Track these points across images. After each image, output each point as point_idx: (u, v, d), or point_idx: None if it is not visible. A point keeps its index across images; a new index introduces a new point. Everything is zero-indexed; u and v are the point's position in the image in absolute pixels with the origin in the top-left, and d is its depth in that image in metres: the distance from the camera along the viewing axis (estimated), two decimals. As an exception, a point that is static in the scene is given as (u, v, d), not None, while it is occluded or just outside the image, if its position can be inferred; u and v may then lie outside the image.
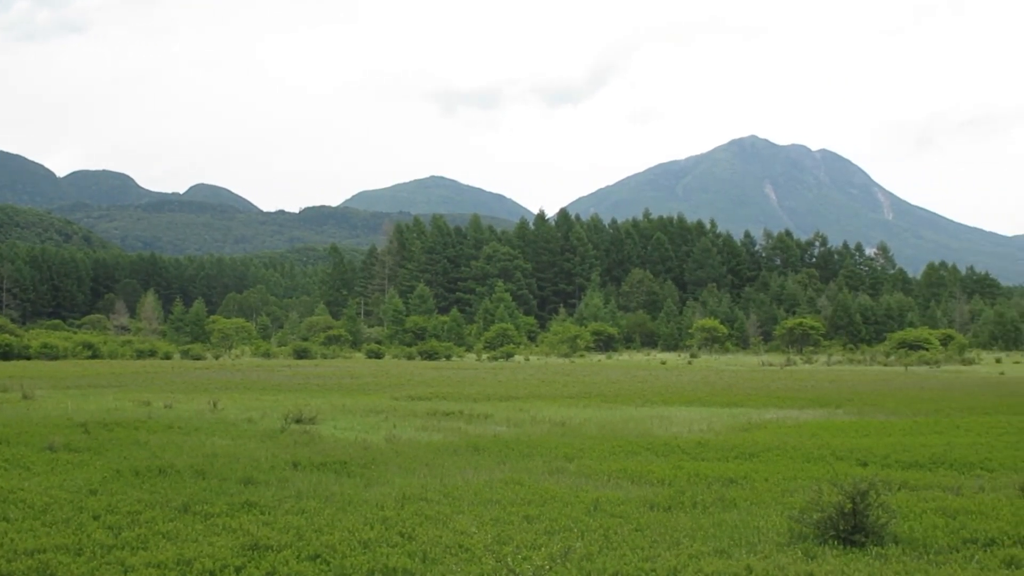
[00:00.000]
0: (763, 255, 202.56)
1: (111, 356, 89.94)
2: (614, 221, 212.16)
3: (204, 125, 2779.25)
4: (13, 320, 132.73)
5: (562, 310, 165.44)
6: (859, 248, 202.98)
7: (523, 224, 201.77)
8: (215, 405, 30.71)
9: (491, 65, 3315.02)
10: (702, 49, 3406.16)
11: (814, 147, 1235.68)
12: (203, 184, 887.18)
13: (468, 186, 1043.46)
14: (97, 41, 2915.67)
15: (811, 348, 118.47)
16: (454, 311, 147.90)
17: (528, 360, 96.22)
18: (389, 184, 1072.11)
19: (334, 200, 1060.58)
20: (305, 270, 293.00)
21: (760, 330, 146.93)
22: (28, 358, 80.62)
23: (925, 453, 19.29)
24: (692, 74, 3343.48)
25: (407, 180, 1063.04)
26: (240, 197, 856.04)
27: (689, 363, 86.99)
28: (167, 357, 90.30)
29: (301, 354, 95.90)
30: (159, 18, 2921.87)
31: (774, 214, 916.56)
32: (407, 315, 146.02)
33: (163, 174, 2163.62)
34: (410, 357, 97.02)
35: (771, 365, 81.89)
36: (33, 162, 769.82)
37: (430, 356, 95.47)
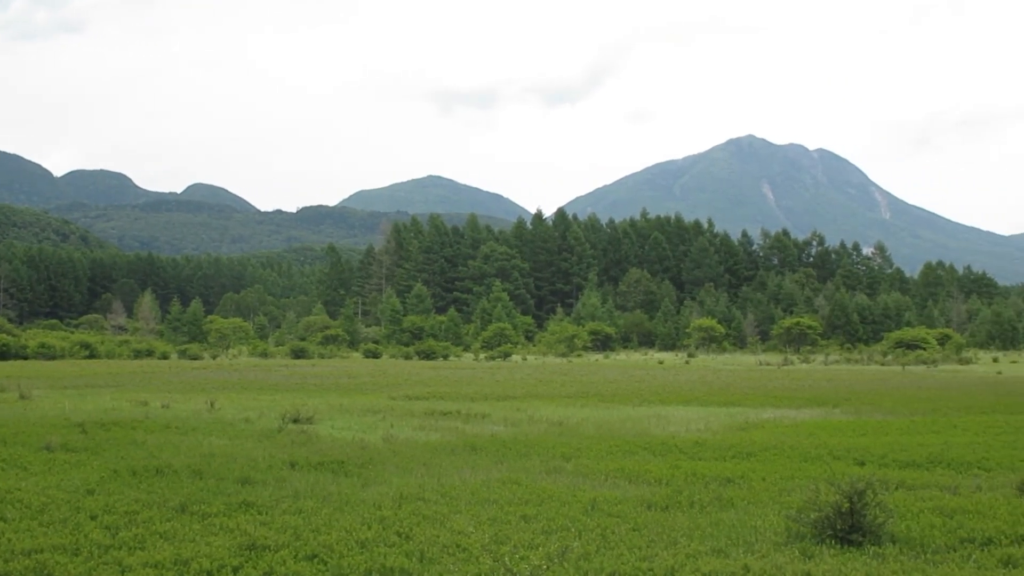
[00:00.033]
0: (760, 255, 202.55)
1: (108, 356, 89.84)
2: (611, 221, 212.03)
3: (201, 125, 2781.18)
4: (10, 320, 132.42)
5: (559, 310, 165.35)
6: (856, 248, 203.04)
7: (520, 224, 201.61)
8: (212, 405, 30.69)
9: (488, 65, 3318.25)
10: (699, 49, 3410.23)
11: (811, 147, 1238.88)
12: (200, 184, 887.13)
13: (465, 186, 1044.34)
14: (95, 41, 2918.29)
15: (808, 347, 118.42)
16: (451, 311, 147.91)
17: (525, 360, 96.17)
18: (386, 184, 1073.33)
19: (331, 200, 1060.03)
20: (302, 270, 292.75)
21: (757, 329, 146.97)
22: (25, 358, 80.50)
23: (922, 452, 19.31)
24: (689, 74, 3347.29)
25: (404, 180, 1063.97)
26: (237, 197, 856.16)
27: (686, 363, 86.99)
28: (164, 357, 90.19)
29: (298, 354, 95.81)
30: (156, 18, 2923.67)
31: (771, 213, 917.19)
32: (404, 315, 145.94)
33: (160, 174, 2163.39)
34: (407, 357, 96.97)
35: (768, 364, 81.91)
36: (30, 162, 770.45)
37: (427, 356, 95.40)
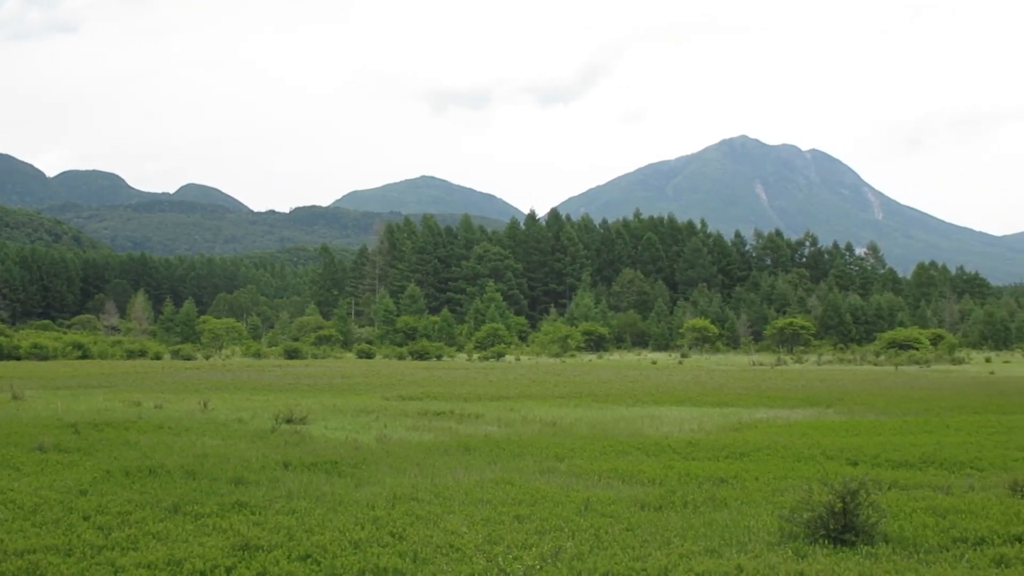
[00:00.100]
0: (753, 255, 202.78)
1: (101, 356, 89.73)
2: (605, 221, 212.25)
3: (194, 125, 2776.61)
4: (3, 320, 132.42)
5: (553, 310, 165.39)
6: (849, 248, 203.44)
7: (514, 224, 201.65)
8: (205, 405, 30.63)
9: (482, 65, 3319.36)
10: (693, 49, 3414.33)
11: (804, 147, 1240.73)
12: (193, 184, 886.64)
13: (459, 186, 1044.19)
14: (87, 41, 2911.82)
15: (801, 348, 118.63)
16: (445, 311, 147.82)
17: (519, 360, 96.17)
18: (380, 184, 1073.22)
19: (324, 200, 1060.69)
20: (295, 270, 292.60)
21: (750, 330, 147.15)
22: (18, 358, 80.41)
23: (915, 452, 19.34)
24: (683, 74, 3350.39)
25: (397, 180, 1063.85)
26: (230, 197, 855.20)
27: (680, 363, 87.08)
28: (157, 357, 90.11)
29: (291, 354, 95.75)
30: (149, 19, 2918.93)
31: (764, 214, 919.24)
32: (398, 315, 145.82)
33: (153, 174, 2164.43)
34: (401, 357, 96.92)
35: (761, 365, 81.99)
36: (23, 162, 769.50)
37: (421, 356, 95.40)
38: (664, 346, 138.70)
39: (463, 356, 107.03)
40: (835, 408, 32.24)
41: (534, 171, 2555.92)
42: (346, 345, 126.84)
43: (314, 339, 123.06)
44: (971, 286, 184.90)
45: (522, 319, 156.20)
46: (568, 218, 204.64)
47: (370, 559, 10.45)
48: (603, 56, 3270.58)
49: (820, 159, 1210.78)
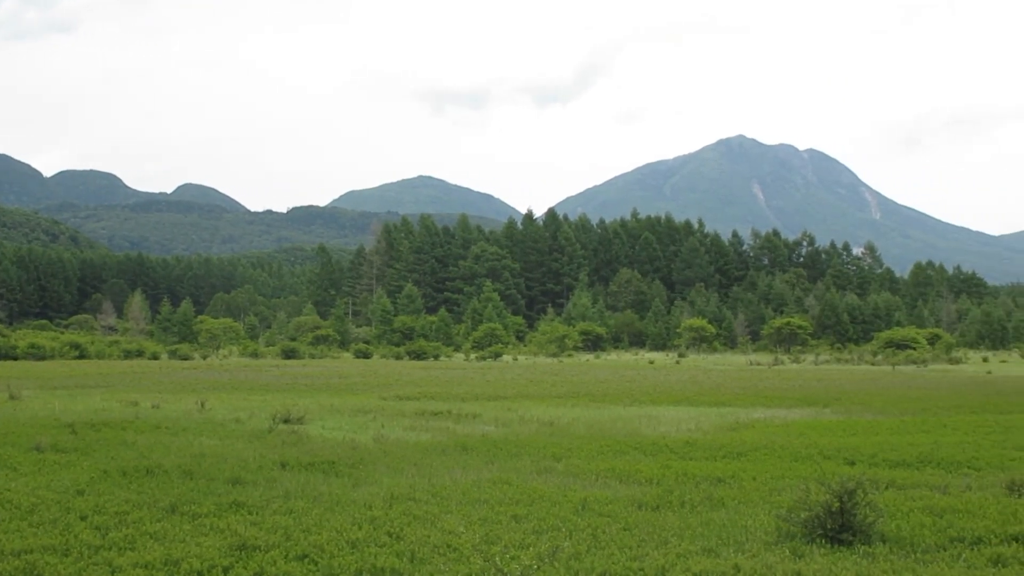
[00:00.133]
0: (751, 255, 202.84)
1: (98, 356, 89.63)
2: (602, 221, 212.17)
3: (192, 125, 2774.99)
4: (0, 320, 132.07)
5: (550, 310, 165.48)
6: (846, 248, 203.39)
7: (511, 224, 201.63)
8: (203, 405, 30.64)
9: (479, 65, 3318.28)
10: (690, 49, 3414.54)
11: (802, 147, 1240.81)
12: (191, 184, 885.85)
13: (456, 186, 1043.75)
14: (85, 40, 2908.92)
15: (799, 347, 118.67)
16: (442, 311, 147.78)
17: (516, 360, 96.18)
18: (377, 184, 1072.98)
19: (322, 200, 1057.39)
20: (293, 270, 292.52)
21: (748, 330, 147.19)
22: (15, 358, 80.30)
23: (912, 452, 19.35)
24: (680, 74, 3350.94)
25: (395, 180, 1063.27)
26: (228, 197, 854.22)
27: (677, 363, 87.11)
28: (155, 357, 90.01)
29: (289, 354, 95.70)
30: (146, 18, 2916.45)
31: (762, 214, 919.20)
32: (395, 315, 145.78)
33: (151, 174, 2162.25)
34: (398, 357, 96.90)
35: (759, 364, 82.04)
36: (20, 162, 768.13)
37: (418, 356, 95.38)
38: (661, 346, 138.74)
39: (460, 356, 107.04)
40: (832, 408, 32.26)
41: (532, 171, 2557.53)
42: (343, 345, 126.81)
43: (311, 339, 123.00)
44: (968, 286, 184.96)
45: (519, 319, 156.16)
46: (565, 218, 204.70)
47: (367, 559, 10.44)
48: (601, 56, 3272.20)
49: (817, 159, 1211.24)
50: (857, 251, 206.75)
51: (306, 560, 10.52)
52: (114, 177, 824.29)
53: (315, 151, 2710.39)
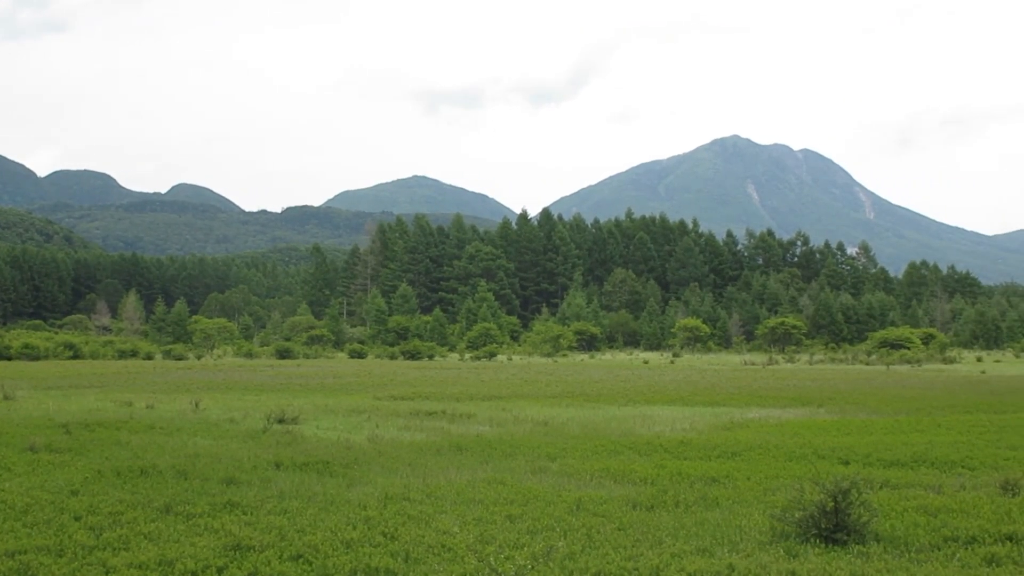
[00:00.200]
0: (745, 254, 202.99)
1: (92, 356, 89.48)
2: (596, 221, 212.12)
3: (186, 125, 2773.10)
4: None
5: (545, 310, 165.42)
6: (841, 247, 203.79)
7: (506, 224, 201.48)
8: (197, 405, 30.59)
9: (474, 64, 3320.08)
10: (684, 49, 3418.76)
11: (796, 147, 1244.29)
12: (185, 184, 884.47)
13: (450, 186, 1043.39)
14: (79, 40, 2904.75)
15: (793, 347, 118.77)
16: (437, 311, 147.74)
17: (511, 360, 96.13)
18: (371, 184, 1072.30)
19: (316, 200, 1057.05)
20: (287, 270, 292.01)
21: (742, 329, 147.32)
22: (9, 358, 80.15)
23: (906, 451, 19.37)
24: (674, 74, 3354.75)
25: (389, 180, 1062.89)
26: (222, 197, 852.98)
27: (671, 362, 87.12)
28: (149, 357, 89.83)
29: (283, 354, 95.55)
30: (140, 18, 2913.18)
31: (756, 214, 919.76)
32: (390, 315, 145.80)
33: (145, 174, 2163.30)
34: (393, 357, 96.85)
35: (753, 364, 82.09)
36: (14, 162, 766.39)
37: (413, 356, 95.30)
38: (656, 346, 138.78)
39: (455, 356, 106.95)
40: (827, 407, 32.28)
41: (526, 171, 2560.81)
42: (338, 345, 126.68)
43: (306, 339, 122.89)
44: (962, 285, 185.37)
45: (514, 319, 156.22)
46: (560, 218, 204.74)
47: (362, 559, 10.44)
48: (594, 56, 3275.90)
49: (811, 159, 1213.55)
50: (851, 251, 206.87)
51: (300, 560, 10.51)
52: (108, 177, 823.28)
53: (310, 151, 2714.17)
